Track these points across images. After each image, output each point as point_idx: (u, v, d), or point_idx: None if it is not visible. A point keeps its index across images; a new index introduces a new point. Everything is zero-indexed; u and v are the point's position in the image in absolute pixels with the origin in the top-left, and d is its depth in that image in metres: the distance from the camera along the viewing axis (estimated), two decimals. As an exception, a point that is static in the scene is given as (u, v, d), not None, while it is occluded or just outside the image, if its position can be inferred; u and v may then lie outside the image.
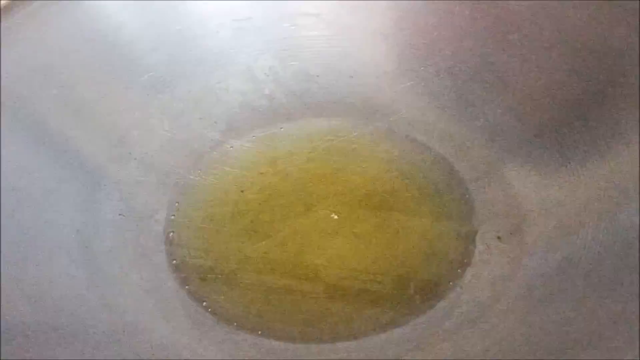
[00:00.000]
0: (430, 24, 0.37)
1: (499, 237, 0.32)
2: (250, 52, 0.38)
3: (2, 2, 0.33)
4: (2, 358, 0.25)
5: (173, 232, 0.33)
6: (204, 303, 0.30)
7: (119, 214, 0.33)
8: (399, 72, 0.37)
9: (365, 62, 0.38)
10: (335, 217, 0.32)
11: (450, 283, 0.31)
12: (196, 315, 0.30)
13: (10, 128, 0.32)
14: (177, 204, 0.34)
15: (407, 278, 0.31)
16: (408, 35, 0.38)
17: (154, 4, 0.37)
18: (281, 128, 0.37)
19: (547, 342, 0.26)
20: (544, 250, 0.31)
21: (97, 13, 0.36)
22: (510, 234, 0.32)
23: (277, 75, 0.38)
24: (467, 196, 0.34)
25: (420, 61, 0.37)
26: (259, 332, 0.29)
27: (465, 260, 0.31)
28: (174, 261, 0.32)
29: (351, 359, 0.28)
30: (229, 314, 0.30)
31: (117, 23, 0.36)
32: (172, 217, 0.34)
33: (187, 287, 0.31)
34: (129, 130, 0.35)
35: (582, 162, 0.32)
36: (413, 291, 0.30)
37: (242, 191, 0.34)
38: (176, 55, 0.37)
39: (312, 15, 0.39)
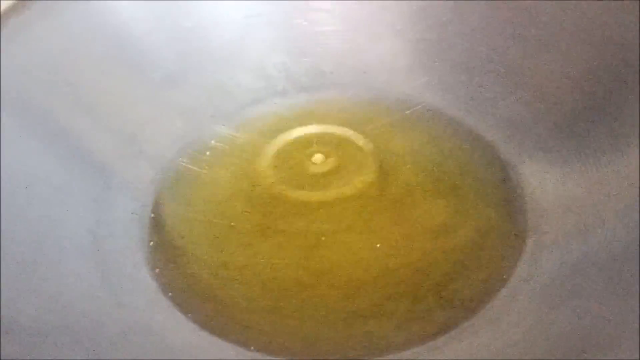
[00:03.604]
0: (444, 18, 0.37)
1: (516, 235, 0.31)
2: (262, 49, 0.38)
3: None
4: (14, 358, 0.24)
5: (186, 228, 0.33)
6: (216, 300, 0.30)
7: (131, 212, 0.33)
8: (413, 68, 0.37)
9: (378, 57, 0.38)
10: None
11: (467, 280, 0.30)
12: (209, 313, 0.30)
13: (20, 126, 0.32)
14: (189, 200, 0.34)
15: (423, 274, 0.30)
16: (422, 30, 0.37)
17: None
18: (294, 123, 0.37)
19: (566, 342, 0.26)
20: (563, 247, 0.30)
21: (107, 9, 0.36)
22: (528, 231, 0.31)
23: (289, 72, 0.38)
24: (484, 192, 0.33)
25: (434, 56, 0.37)
26: (271, 329, 0.29)
27: (482, 258, 0.31)
28: (187, 258, 0.32)
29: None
30: (242, 311, 0.30)
31: (128, 20, 0.36)
32: (185, 213, 0.33)
33: (199, 284, 0.31)
34: (140, 127, 0.35)
35: (600, 158, 0.32)
36: (429, 288, 0.30)
37: (254, 185, 0.34)
38: (187, 52, 0.38)
39: (324, 10, 0.39)
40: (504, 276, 0.30)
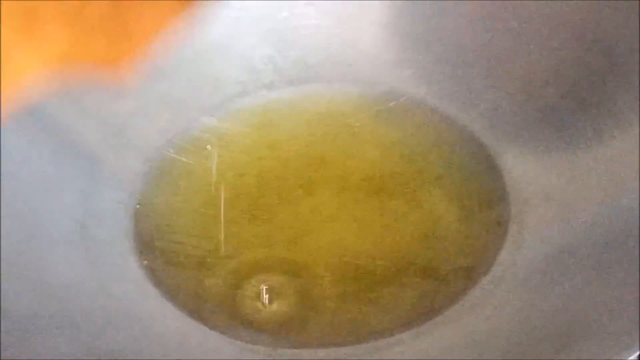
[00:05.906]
0: (429, 12, 0.37)
1: (499, 223, 0.32)
2: (249, 42, 0.38)
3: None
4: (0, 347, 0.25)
5: (172, 218, 0.33)
6: (203, 288, 0.30)
7: (119, 202, 0.33)
8: (399, 60, 0.37)
9: (364, 51, 0.38)
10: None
11: (450, 268, 0.30)
12: (196, 301, 0.30)
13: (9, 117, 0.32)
14: (176, 190, 0.34)
15: (407, 262, 0.31)
16: (407, 23, 0.38)
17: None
18: (280, 114, 0.37)
19: (547, 329, 0.26)
20: (545, 235, 0.30)
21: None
22: (511, 219, 0.32)
23: (276, 65, 0.38)
24: (467, 181, 0.33)
25: (419, 49, 0.37)
26: (257, 317, 0.29)
27: (465, 245, 0.31)
28: (174, 247, 0.32)
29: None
30: (228, 300, 0.30)
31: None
32: (172, 203, 0.33)
33: (186, 272, 0.31)
34: (127, 118, 0.35)
35: (582, 148, 0.32)
36: (414, 275, 0.30)
37: (240, 176, 0.34)
38: (174, 45, 0.37)
39: (310, 4, 0.38)
40: (487, 263, 0.30)
